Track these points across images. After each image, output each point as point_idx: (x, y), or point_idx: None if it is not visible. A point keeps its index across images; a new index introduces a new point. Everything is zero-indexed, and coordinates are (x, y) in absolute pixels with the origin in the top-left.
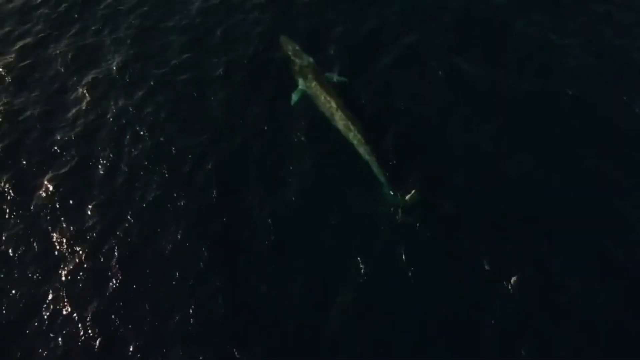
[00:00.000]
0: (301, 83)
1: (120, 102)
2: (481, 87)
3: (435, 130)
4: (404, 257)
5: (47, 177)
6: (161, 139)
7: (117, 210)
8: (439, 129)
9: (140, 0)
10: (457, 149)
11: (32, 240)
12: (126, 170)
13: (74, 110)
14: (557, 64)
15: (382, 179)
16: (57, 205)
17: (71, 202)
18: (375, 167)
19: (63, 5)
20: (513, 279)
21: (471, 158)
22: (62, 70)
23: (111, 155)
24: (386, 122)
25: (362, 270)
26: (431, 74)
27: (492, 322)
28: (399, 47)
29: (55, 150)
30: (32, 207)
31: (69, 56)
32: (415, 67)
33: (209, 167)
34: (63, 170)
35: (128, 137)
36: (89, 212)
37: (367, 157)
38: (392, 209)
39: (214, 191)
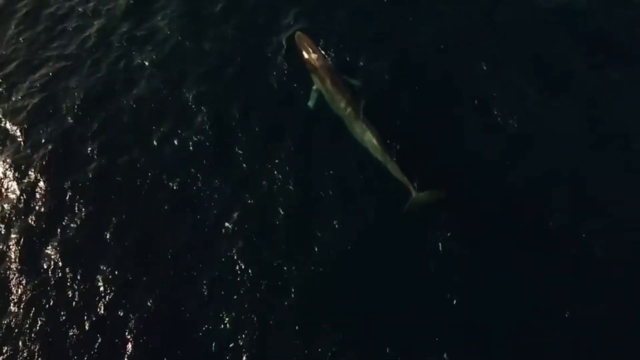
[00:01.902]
0: (317, 84)
1: (135, 144)
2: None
3: (450, 133)
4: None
5: (57, 229)
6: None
7: (132, 266)
8: (452, 132)
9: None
10: (471, 152)
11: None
12: (142, 220)
13: (85, 153)
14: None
15: (409, 187)
16: (67, 263)
17: (83, 257)
18: (399, 175)
19: (76, 40)
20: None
21: (486, 161)
22: (75, 106)
23: (125, 203)
24: (398, 126)
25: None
26: (442, 77)
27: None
28: (410, 48)
29: (65, 199)
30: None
31: (82, 91)
32: (426, 67)
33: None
34: (73, 224)
35: (142, 180)
36: (101, 270)
37: (388, 165)
38: (418, 213)
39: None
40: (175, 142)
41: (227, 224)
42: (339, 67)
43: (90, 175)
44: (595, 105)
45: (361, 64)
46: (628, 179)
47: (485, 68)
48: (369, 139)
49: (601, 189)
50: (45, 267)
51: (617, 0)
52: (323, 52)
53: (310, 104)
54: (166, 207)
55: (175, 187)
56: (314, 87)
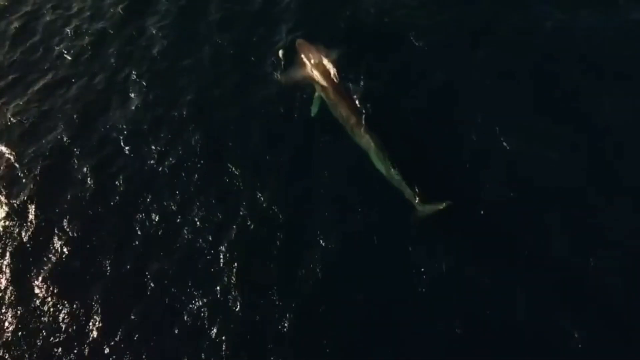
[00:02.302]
0: (319, 91)
1: (131, 162)
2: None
3: (454, 142)
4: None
5: (50, 250)
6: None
7: (127, 290)
8: (457, 141)
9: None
10: (475, 162)
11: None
12: (138, 241)
13: (79, 173)
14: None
15: (413, 200)
16: (60, 285)
17: (77, 279)
18: (403, 188)
19: (72, 50)
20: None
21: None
22: (69, 124)
23: (120, 224)
24: (401, 134)
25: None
26: (446, 85)
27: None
28: (414, 56)
29: (58, 219)
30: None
31: (77, 107)
32: (429, 75)
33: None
34: (67, 245)
35: (140, 202)
36: (94, 294)
37: (393, 178)
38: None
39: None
40: (172, 159)
41: (224, 243)
42: (341, 74)
43: (85, 195)
44: (595, 121)
45: (364, 70)
46: (628, 198)
47: (488, 79)
48: (374, 150)
49: (602, 207)
50: (37, 289)
51: (616, 20)
52: (325, 59)
53: (313, 112)
54: (162, 226)
55: (172, 206)
56: (316, 95)
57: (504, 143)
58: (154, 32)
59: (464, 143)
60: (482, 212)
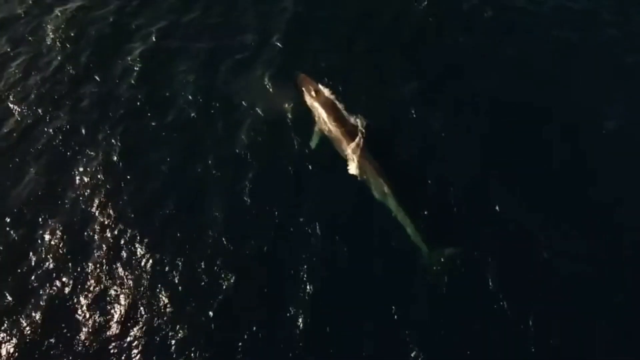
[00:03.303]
0: (320, 125)
1: (106, 228)
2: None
3: (453, 185)
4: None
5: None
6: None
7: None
8: (466, 179)
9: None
10: (483, 198)
11: None
12: (115, 311)
13: (50, 236)
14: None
15: (420, 245)
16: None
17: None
18: (409, 227)
19: (48, 96)
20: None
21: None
22: (40, 178)
23: (94, 296)
24: (407, 169)
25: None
26: (449, 114)
27: None
28: (423, 93)
29: (29, 292)
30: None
31: (49, 161)
32: (441, 111)
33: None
34: (40, 320)
35: (116, 266)
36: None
37: (399, 218)
38: (430, 268)
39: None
40: (156, 215)
41: (214, 302)
42: (342, 108)
43: (55, 263)
44: (595, 182)
45: (362, 107)
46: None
47: (490, 105)
48: (379, 187)
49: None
50: None
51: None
52: (327, 93)
53: (313, 145)
54: (149, 270)
55: (157, 269)
56: (316, 129)
57: (507, 197)
58: (133, 81)
59: (463, 189)
60: (480, 261)
